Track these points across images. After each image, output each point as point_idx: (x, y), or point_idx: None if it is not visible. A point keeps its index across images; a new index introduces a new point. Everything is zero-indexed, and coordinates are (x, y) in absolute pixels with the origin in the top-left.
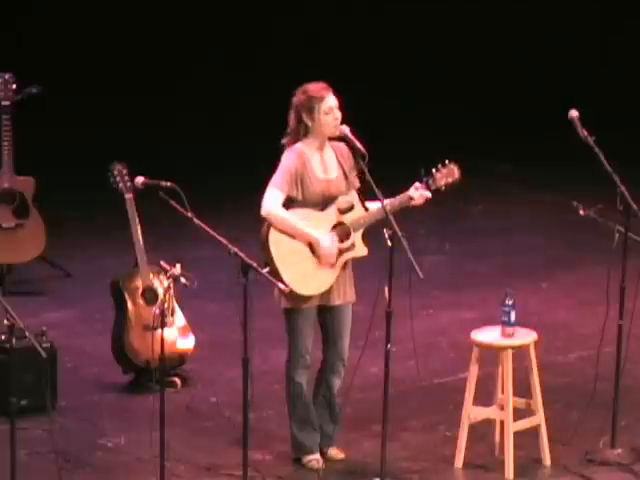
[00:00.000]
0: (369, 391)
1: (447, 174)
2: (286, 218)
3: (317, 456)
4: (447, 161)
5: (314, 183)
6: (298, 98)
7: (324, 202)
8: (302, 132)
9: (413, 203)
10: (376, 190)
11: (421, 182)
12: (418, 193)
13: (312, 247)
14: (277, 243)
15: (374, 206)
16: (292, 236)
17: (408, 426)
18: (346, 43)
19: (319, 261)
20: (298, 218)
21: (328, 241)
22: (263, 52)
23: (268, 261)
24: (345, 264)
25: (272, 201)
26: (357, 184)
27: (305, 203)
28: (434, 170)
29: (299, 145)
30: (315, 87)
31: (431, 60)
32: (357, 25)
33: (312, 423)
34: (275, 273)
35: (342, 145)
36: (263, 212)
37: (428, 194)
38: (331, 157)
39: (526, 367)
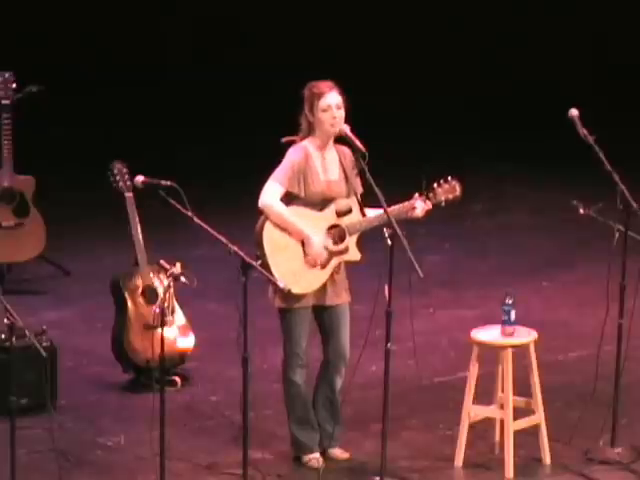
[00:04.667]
0: (369, 390)
1: (448, 190)
2: (282, 212)
3: (317, 455)
4: (450, 177)
5: (315, 182)
6: (304, 93)
7: (323, 203)
8: (306, 128)
9: (414, 214)
10: (376, 190)
11: (421, 194)
12: (421, 205)
13: (304, 245)
14: (270, 238)
15: (373, 213)
16: (286, 231)
17: (408, 425)
18: (346, 42)
19: (305, 259)
20: (295, 215)
21: (318, 241)
22: (263, 51)
23: (260, 255)
24: (339, 267)
25: (270, 194)
26: (360, 189)
27: (305, 201)
28: (435, 185)
29: (305, 142)
30: (319, 84)
31: (431, 59)
32: (357, 24)
33: (311, 422)
34: (266, 268)
35: (346, 149)
36: (260, 204)
37: (429, 206)
38: (334, 159)
39: (526, 366)
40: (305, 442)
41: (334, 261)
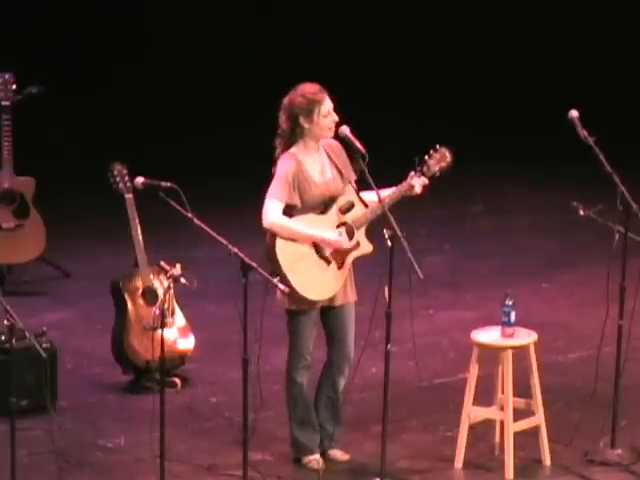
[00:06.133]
0: (369, 391)
1: (440, 159)
2: (289, 225)
3: (317, 456)
4: (438, 146)
5: (312, 187)
6: (295, 100)
7: (324, 204)
8: (298, 135)
9: (413, 192)
10: (375, 190)
11: (415, 171)
12: (419, 181)
13: (318, 250)
14: (284, 252)
15: (371, 197)
16: (298, 242)
17: (408, 426)
18: (346, 41)
19: (327, 260)
20: (301, 223)
21: (335, 235)
22: (262, 51)
23: (276, 271)
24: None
25: (273, 211)
26: (353, 177)
27: (305, 208)
28: (427, 157)
29: (293, 150)
30: (312, 89)
31: (431, 59)
32: (357, 22)
33: (312, 423)
34: (286, 283)
35: (332, 142)
36: (265, 224)
37: (425, 181)
38: (324, 157)
39: (526, 367)
40: (305, 443)
41: (349, 259)
